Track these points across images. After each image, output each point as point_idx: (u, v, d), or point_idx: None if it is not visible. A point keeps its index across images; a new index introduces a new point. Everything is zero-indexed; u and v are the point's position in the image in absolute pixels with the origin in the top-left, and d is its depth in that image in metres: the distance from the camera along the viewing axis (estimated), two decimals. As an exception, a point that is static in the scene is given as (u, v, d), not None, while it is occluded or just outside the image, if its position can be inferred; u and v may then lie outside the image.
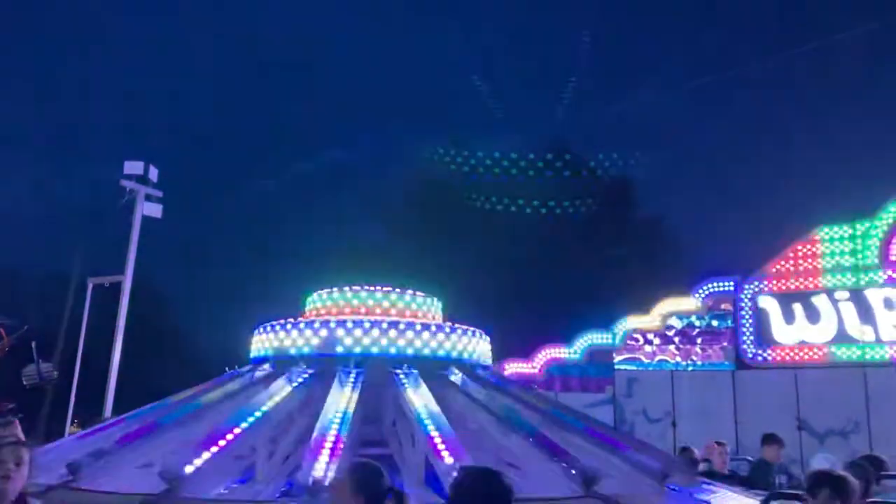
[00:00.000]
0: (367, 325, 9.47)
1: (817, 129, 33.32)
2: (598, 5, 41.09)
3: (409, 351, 9.46)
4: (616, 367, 18.50)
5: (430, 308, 10.63)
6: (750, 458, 10.59)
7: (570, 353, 19.40)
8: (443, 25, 41.49)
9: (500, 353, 15.38)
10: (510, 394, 10.35)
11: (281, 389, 8.88)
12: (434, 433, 7.96)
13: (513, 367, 19.28)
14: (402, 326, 9.53)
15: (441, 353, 9.72)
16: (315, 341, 9.43)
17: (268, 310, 11.03)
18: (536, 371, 19.29)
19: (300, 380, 9.08)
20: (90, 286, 20.12)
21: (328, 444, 7.44)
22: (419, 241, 30.71)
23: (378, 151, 39.11)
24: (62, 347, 24.48)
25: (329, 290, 10.40)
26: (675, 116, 37.59)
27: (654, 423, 17.30)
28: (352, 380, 8.97)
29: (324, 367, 9.28)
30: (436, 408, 8.53)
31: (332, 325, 9.48)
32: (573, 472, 7.71)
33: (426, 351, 9.54)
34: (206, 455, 7.20)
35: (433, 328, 9.79)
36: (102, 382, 18.25)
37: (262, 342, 10.00)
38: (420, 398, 8.76)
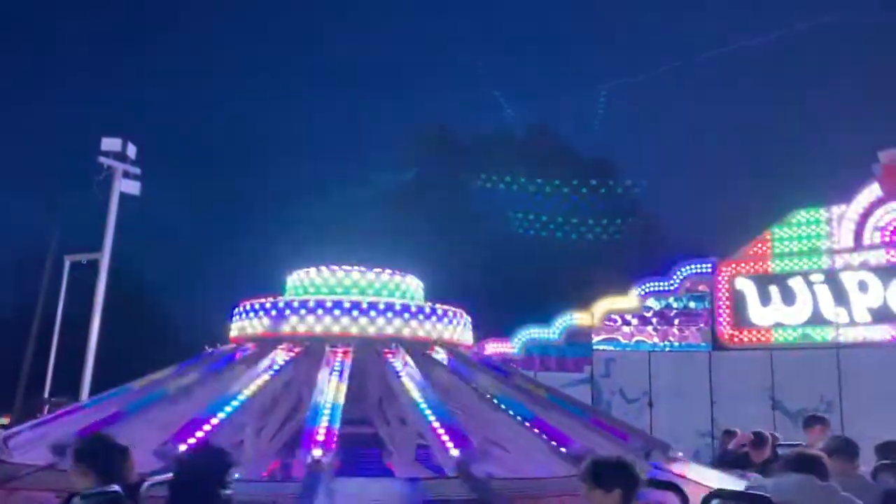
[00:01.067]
0: (346, 305, 9.48)
1: (796, 114, 33.60)
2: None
3: (390, 331, 9.48)
4: (594, 347, 18.68)
5: (412, 288, 10.66)
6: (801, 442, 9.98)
7: (549, 334, 19.56)
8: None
9: (480, 333, 15.46)
10: (497, 376, 10.46)
11: (264, 370, 8.89)
12: (434, 420, 8.00)
13: (492, 347, 19.41)
14: (381, 306, 9.54)
15: (423, 333, 9.76)
16: (298, 322, 9.45)
17: (250, 288, 11.00)
18: (515, 351, 19.43)
19: (283, 360, 9.09)
20: (67, 263, 19.97)
21: (321, 432, 7.45)
22: (402, 221, 30.68)
23: (366, 130, 38.95)
24: (38, 325, 24.25)
25: (311, 269, 10.40)
26: (655, 99, 37.70)
27: (631, 402, 17.51)
28: (338, 361, 9.01)
29: (307, 347, 9.31)
30: (431, 393, 8.58)
31: (313, 305, 9.49)
32: (563, 450, 7.86)
33: (406, 331, 9.57)
34: (199, 434, 7.23)
35: (414, 308, 9.83)
36: (80, 361, 18.15)
37: (243, 322, 9.99)
38: (411, 380, 8.82)
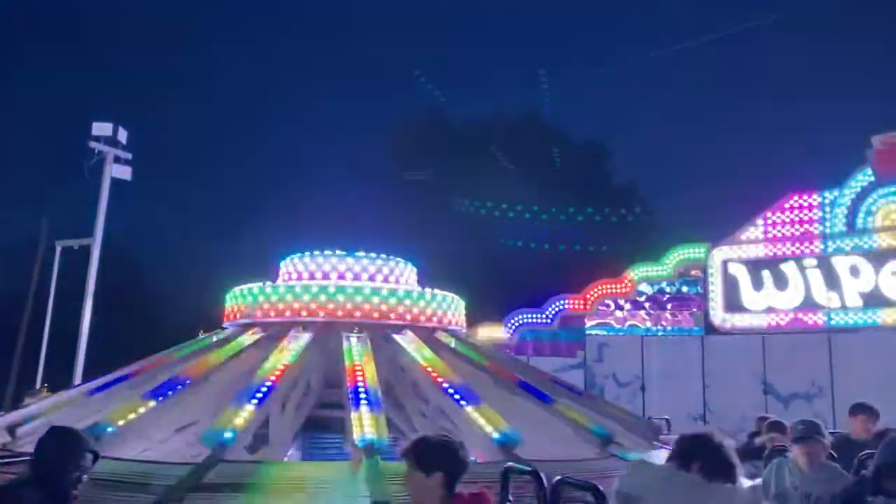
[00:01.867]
0: (350, 291, 9.46)
1: (790, 98, 33.60)
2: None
3: (393, 317, 9.48)
4: (587, 332, 18.72)
5: (406, 273, 10.63)
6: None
7: (542, 318, 19.58)
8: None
9: (474, 318, 15.47)
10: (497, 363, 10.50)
11: (277, 352, 8.90)
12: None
13: (486, 332, 19.43)
14: (385, 293, 9.54)
15: (428, 318, 9.75)
16: (296, 305, 9.43)
17: (242, 273, 10.95)
18: (509, 336, 19.46)
19: (292, 344, 9.08)
20: (59, 249, 19.87)
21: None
22: (396, 207, 30.60)
23: (359, 111, 38.80)
24: (31, 311, 24.15)
25: (305, 255, 10.37)
26: (653, 83, 37.66)
27: (623, 386, 17.57)
28: (354, 342, 9.05)
29: (318, 332, 9.32)
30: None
31: (314, 289, 9.47)
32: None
33: (408, 316, 9.56)
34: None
35: (413, 293, 9.79)
36: (72, 347, 18.10)
37: (239, 305, 9.95)
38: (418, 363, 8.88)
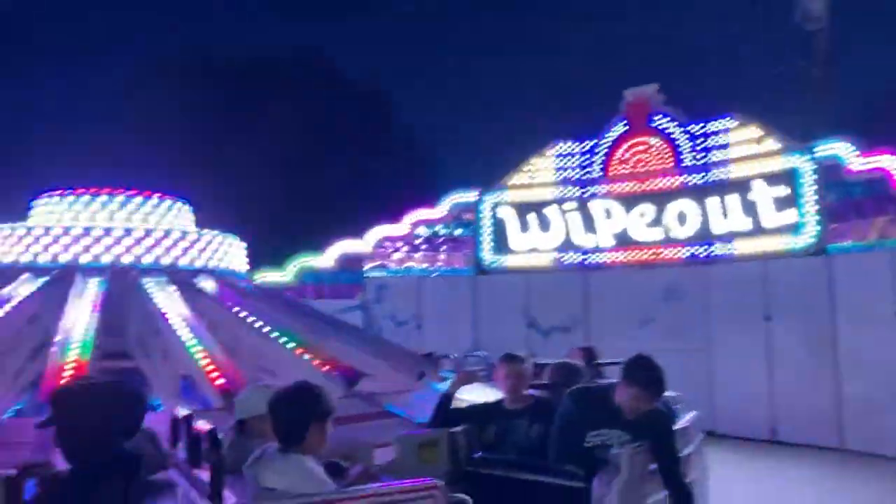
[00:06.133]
0: (98, 232, 8.94)
1: (555, 48, 35.56)
2: None
3: (150, 260, 9.11)
4: (366, 274, 19.08)
5: (178, 213, 10.24)
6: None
7: (322, 262, 19.66)
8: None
9: (254, 262, 15.22)
10: (270, 303, 10.40)
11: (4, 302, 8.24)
12: (200, 352, 7.80)
13: (265, 275, 19.19)
14: (139, 233, 9.11)
15: (192, 261, 9.45)
16: (46, 250, 8.79)
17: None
18: (289, 279, 19.36)
19: (28, 291, 8.47)
20: None
21: (69, 367, 7.07)
22: (172, 148, 28.99)
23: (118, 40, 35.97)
24: None
25: (59, 193, 9.65)
26: (427, 27, 38.19)
27: (400, 325, 18.20)
28: (91, 291, 8.51)
29: (54, 277, 8.72)
30: (194, 321, 8.36)
31: (63, 232, 8.87)
32: (335, 375, 8.05)
33: (168, 260, 9.24)
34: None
35: (179, 234, 9.47)
36: None
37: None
38: (174, 311, 8.53)
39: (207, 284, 9.82)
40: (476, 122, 34.08)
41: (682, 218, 16.33)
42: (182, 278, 9.30)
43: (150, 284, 8.84)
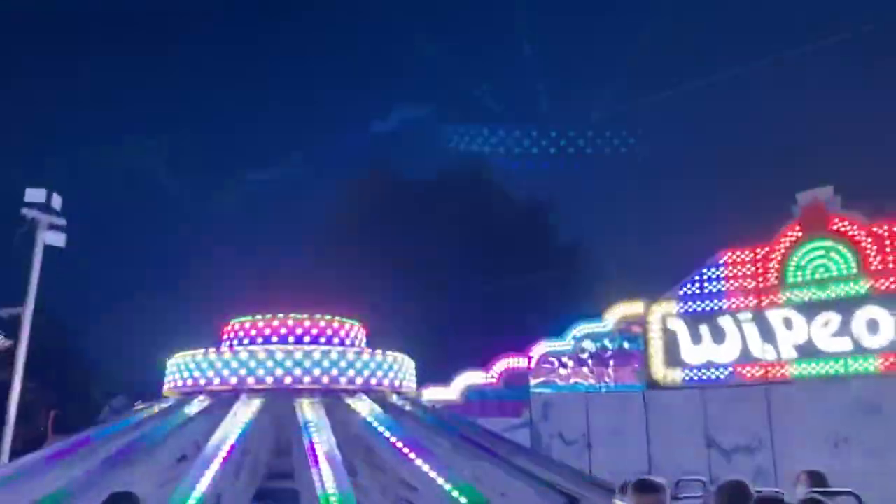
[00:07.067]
0: (314, 353, 9.27)
1: (723, 158, 34.81)
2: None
3: (344, 381, 9.31)
4: (532, 390, 18.76)
5: (355, 332, 10.52)
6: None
7: (486, 378, 19.57)
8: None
9: (419, 379, 15.38)
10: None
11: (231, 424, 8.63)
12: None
13: (431, 393, 19.30)
14: (334, 356, 9.39)
15: (373, 381, 9.59)
16: (234, 373, 9.22)
17: (183, 341, 10.71)
18: (455, 397, 19.36)
19: (247, 416, 8.83)
20: (-12, 318, 19.19)
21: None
22: (340, 269, 30.46)
23: (300, 171, 38.81)
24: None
25: (248, 318, 10.20)
26: (588, 143, 38.63)
27: (570, 444, 17.61)
28: (257, 409, 8.79)
29: (269, 399, 9.10)
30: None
31: (251, 355, 9.28)
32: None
33: (360, 380, 9.40)
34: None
35: (363, 355, 9.65)
36: (2, 415, 17.42)
37: (181, 373, 9.71)
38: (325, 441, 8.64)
39: (397, 401, 9.97)
40: (638, 232, 33.62)
41: (872, 326, 15.06)
42: (377, 398, 9.46)
43: (355, 405, 9.02)
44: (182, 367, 9.69)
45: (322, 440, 8.21)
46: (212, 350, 9.57)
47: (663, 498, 4.96)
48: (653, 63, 39.20)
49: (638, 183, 36.87)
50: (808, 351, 15.90)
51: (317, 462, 7.75)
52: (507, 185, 38.61)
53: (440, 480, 7.58)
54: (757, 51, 34.68)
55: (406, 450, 8.15)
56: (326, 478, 7.45)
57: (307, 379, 9.17)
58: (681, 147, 37.38)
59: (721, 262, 17.54)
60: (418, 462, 7.91)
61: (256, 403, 9.02)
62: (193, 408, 9.38)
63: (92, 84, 38.05)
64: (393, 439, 8.38)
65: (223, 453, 7.85)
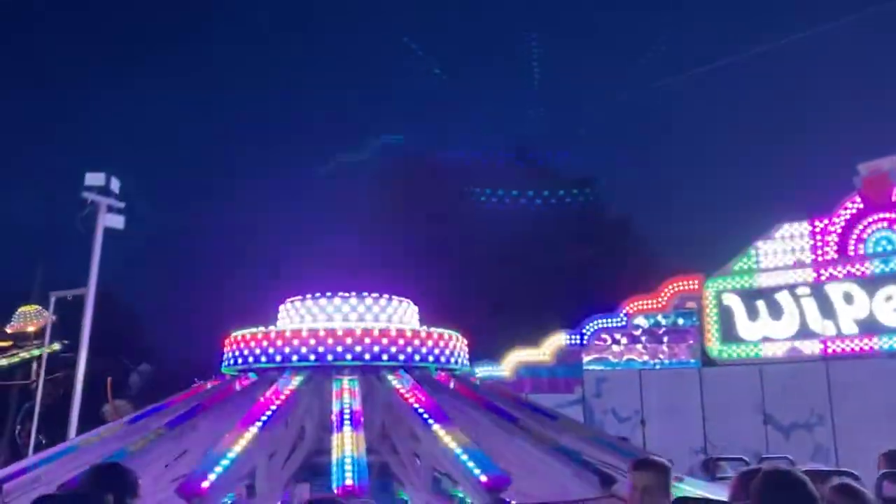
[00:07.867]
0: (356, 331, 9.39)
1: (777, 128, 33.94)
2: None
3: (385, 357, 9.40)
4: (585, 367, 18.68)
5: (407, 313, 10.59)
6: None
7: (539, 356, 19.54)
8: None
9: (473, 356, 15.45)
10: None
11: (269, 402, 8.82)
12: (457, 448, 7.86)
13: (483, 370, 19.36)
14: (376, 333, 9.46)
15: (424, 357, 9.67)
16: (287, 350, 9.38)
17: (238, 320, 10.92)
18: (507, 373, 19.40)
19: (288, 390, 9.00)
20: (53, 300, 19.82)
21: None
22: (392, 248, 30.67)
23: (349, 153, 39.09)
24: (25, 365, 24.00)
25: (305, 298, 10.34)
26: (640, 115, 38.01)
27: (623, 421, 17.50)
28: (346, 387, 8.94)
29: (310, 375, 9.27)
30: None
31: (315, 333, 9.40)
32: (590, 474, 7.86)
33: (402, 356, 9.48)
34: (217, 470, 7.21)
35: (420, 333, 9.72)
36: (67, 399, 17.97)
37: (233, 351, 9.92)
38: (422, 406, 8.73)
39: (438, 379, 10.05)
40: (692, 205, 33.05)
41: (938, 300, 14.64)
42: (421, 374, 9.57)
43: (393, 380, 9.14)
44: (233, 345, 9.93)
45: (349, 410, 8.36)
46: (260, 328, 9.78)
47: (664, 479, 4.59)
48: (704, 31, 38.32)
49: (690, 155, 36.16)
50: (869, 326, 15.52)
51: (341, 427, 7.92)
52: (554, 162, 38.32)
53: (464, 457, 7.61)
54: (817, 16, 33.58)
55: (437, 426, 8.19)
56: (347, 443, 7.61)
57: (349, 356, 9.26)
58: (737, 118, 36.51)
59: (778, 235, 17.17)
60: (447, 439, 7.94)
61: (298, 379, 9.18)
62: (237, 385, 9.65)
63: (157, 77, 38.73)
64: (426, 415, 8.44)
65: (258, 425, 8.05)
